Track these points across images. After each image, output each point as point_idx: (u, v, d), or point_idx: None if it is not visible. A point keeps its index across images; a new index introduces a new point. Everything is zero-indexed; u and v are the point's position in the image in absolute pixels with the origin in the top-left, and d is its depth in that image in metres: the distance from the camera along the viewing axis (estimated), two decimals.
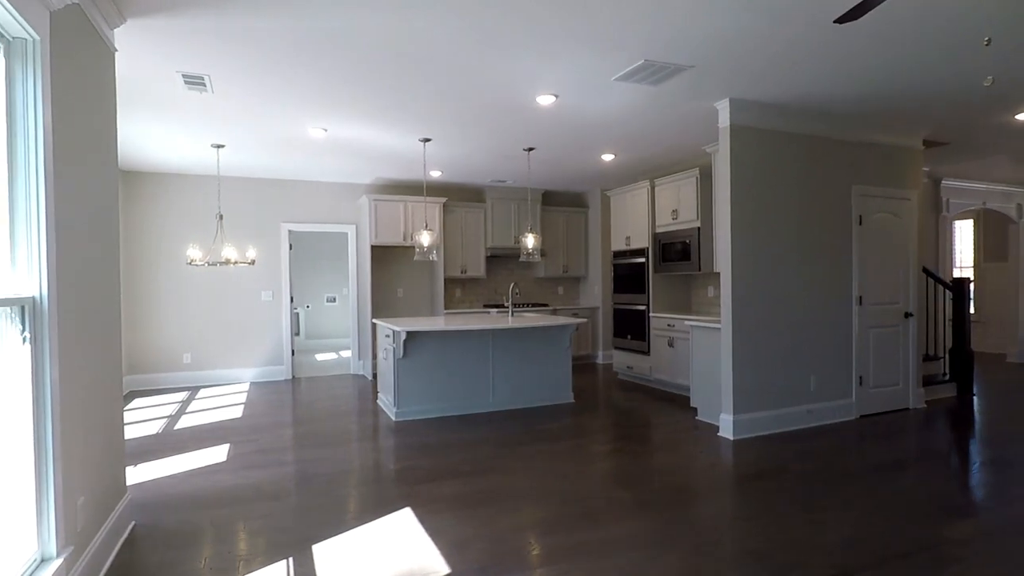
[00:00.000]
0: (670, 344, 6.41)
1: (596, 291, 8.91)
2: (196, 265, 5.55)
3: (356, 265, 7.93)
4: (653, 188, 6.78)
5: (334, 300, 11.21)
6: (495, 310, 7.99)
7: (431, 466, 3.95)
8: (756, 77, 4.00)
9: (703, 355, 5.21)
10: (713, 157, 5.55)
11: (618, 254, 7.38)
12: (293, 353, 7.72)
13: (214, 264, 5.61)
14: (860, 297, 5.27)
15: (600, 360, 8.82)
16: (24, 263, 1.79)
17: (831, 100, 4.50)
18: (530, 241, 6.01)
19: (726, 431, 4.65)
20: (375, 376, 7.26)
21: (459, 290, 8.53)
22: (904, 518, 3.05)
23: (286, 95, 4.22)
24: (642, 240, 6.92)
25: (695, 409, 5.36)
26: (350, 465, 4.03)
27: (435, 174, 7.29)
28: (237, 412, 5.68)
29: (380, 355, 5.88)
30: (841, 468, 3.89)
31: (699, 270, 6.13)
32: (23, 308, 1.77)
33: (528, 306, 8.49)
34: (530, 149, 5.98)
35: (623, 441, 4.61)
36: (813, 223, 5.02)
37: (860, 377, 5.29)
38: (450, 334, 5.38)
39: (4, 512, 1.75)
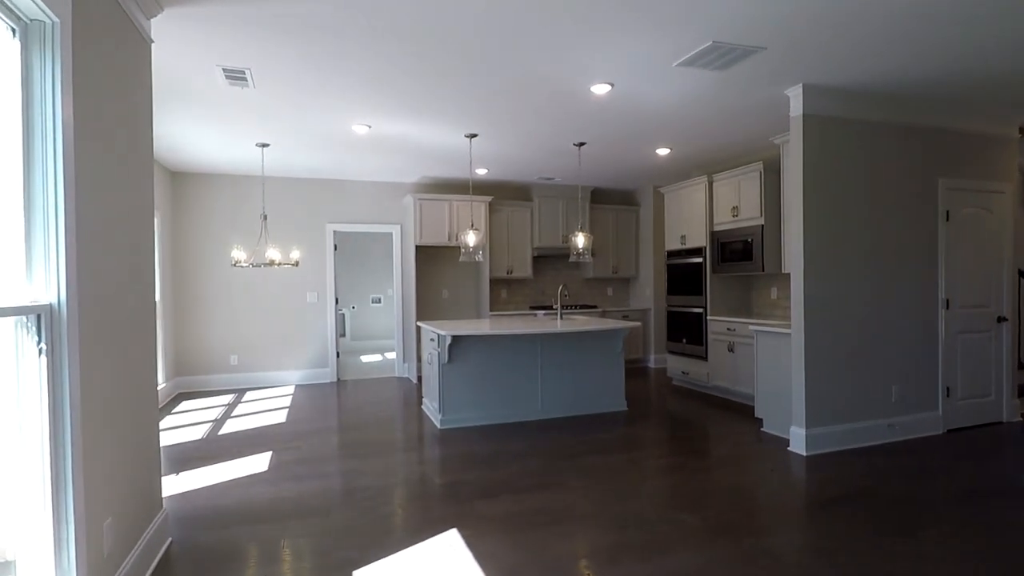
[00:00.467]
0: (730, 349, 6.00)
1: (647, 292, 8.53)
2: (241, 267, 5.49)
3: (401, 266, 7.81)
4: (711, 184, 6.37)
5: (379, 301, 11.17)
6: (542, 312, 7.72)
7: (478, 481, 3.72)
8: (835, 59, 3.60)
9: (770, 362, 4.81)
10: (782, 149, 5.14)
11: (673, 254, 7.00)
12: (338, 355, 7.66)
13: (258, 266, 5.54)
14: (947, 300, 4.76)
15: (652, 364, 8.43)
16: (40, 268, 1.63)
17: (917, 84, 4.04)
18: (580, 240, 5.71)
19: (797, 446, 4.25)
20: (419, 379, 7.10)
21: (505, 291, 8.31)
22: None
23: (329, 89, 4.08)
24: (699, 239, 6.52)
25: (760, 420, 4.96)
26: (393, 478, 3.84)
27: (481, 172, 7.08)
28: (281, 416, 5.60)
29: (425, 358, 5.70)
30: (935, 491, 3.45)
31: (762, 270, 5.70)
32: (39, 317, 1.61)
33: (576, 308, 8.18)
34: (581, 144, 5.68)
35: (684, 455, 4.27)
36: (894, 219, 4.54)
37: (947, 388, 4.77)
38: (497, 338, 5.14)
39: (23, 543, 1.60)
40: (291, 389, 7.04)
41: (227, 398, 6.53)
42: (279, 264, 5.73)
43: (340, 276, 10.63)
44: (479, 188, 8.06)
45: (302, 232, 7.35)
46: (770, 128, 5.10)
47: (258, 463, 4.12)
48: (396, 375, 7.89)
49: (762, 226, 5.69)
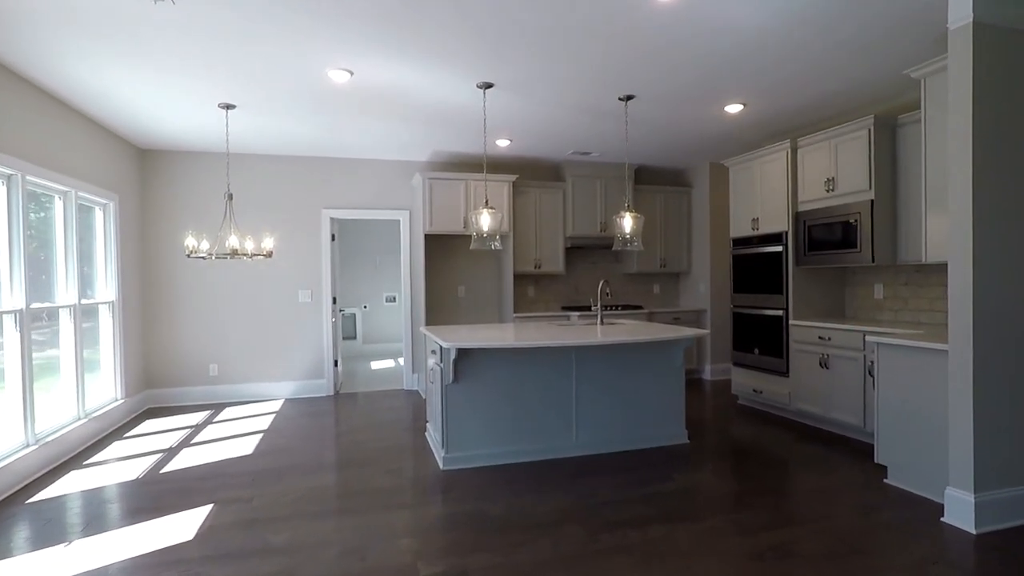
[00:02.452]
0: (823, 364, 4.61)
1: (702, 290, 7.15)
2: (198, 257, 4.37)
3: (409, 258, 6.63)
4: (795, 151, 4.98)
5: (394, 300, 10.05)
6: (576, 314, 6.44)
7: (485, 571, 2.49)
8: None
9: (901, 388, 3.43)
10: (923, 86, 3.74)
11: (740, 242, 5.62)
12: (337, 364, 6.52)
13: (223, 256, 4.41)
14: None
15: (708, 376, 7.06)
16: None
17: None
18: (627, 223, 4.41)
19: (960, 517, 2.88)
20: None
21: (532, 289, 7.05)
22: None
23: (281, 10, 2.89)
24: (777, 222, 5.14)
25: (884, 469, 3.59)
26: (362, 562, 2.63)
27: (502, 144, 5.83)
28: (249, 446, 4.47)
29: (427, 375, 4.49)
30: None
31: (872, 261, 4.30)
32: None
33: (616, 309, 6.87)
34: (628, 98, 4.38)
35: (786, 526, 2.95)
36: None
37: None
38: (518, 352, 3.90)
39: None
40: (278, 405, 5.94)
41: (199, 416, 5.46)
42: (251, 256, 4.59)
43: (347, 272, 9.56)
44: (501, 165, 6.82)
45: (291, 218, 6.24)
46: (901, 60, 3.72)
47: (186, 527, 2.98)
48: (404, 387, 6.72)
49: (871, 202, 4.29)
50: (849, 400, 4.39)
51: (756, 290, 5.39)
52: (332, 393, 6.39)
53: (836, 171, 4.58)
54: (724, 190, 7.05)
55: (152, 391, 5.91)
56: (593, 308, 4.67)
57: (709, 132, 5.46)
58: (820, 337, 4.65)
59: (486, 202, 4.09)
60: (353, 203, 6.45)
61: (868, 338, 3.74)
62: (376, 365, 8.58)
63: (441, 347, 3.70)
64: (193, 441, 4.62)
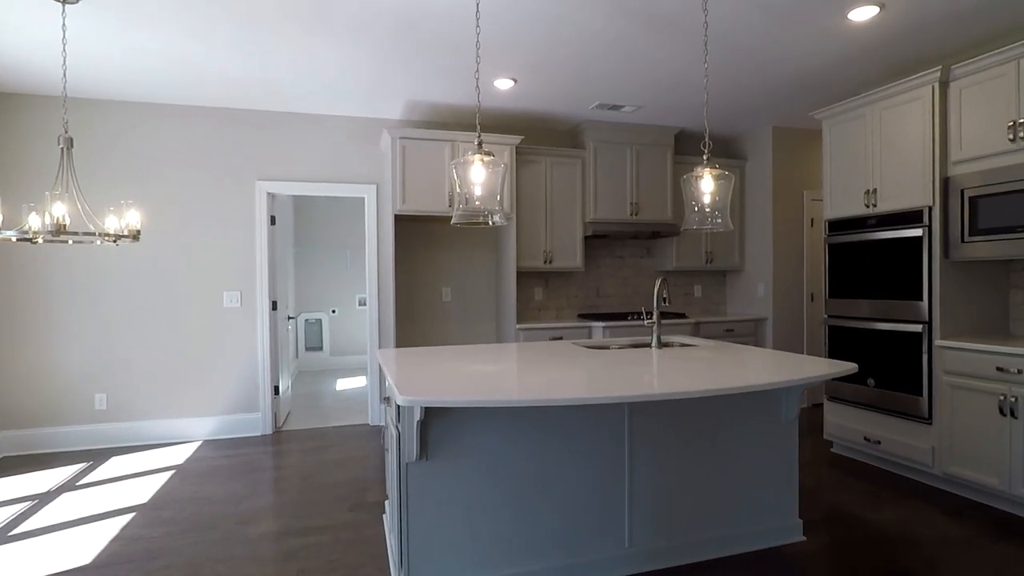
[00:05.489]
0: (1006, 411, 2.95)
1: (761, 292, 5.49)
2: (20, 239, 2.64)
3: (376, 248, 4.94)
4: (945, 85, 3.31)
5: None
6: (599, 324, 4.77)
7: None
8: None
9: None
10: None
11: (843, 225, 3.95)
12: (277, 391, 4.82)
13: (52, 238, 2.70)
14: None
15: None
16: None
17: None
18: (708, 184, 2.73)
19: None
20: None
21: (541, 290, 5.36)
22: None
23: None
24: (911, 194, 3.47)
25: None
26: None
27: (502, 86, 4.14)
28: (97, 542, 2.77)
29: (383, 435, 2.80)
30: None
31: None
32: None
33: (642, 317, 5.19)
34: None
35: None
36: None
37: None
38: (527, 413, 2.21)
39: None
40: (190, 451, 4.23)
41: (65, 472, 3.76)
42: (100, 237, 2.88)
43: (309, 267, 7.85)
44: (500, 122, 5.14)
45: (208, 193, 4.54)
46: None
47: None
48: (369, 421, 5.01)
49: None
50: None
51: (871, 294, 3.72)
52: (270, 431, 4.69)
53: None
54: (792, 163, 5.40)
55: (9, 433, 4.19)
56: (646, 321, 2.98)
57: (811, 64, 3.77)
58: (1001, 369, 2.98)
59: (479, 144, 2.40)
60: (300, 174, 4.74)
61: None
62: (344, 384, 6.87)
63: (397, 403, 2.00)
64: (16, 531, 2.91)
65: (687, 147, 5.73)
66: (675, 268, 5.50)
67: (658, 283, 3.08)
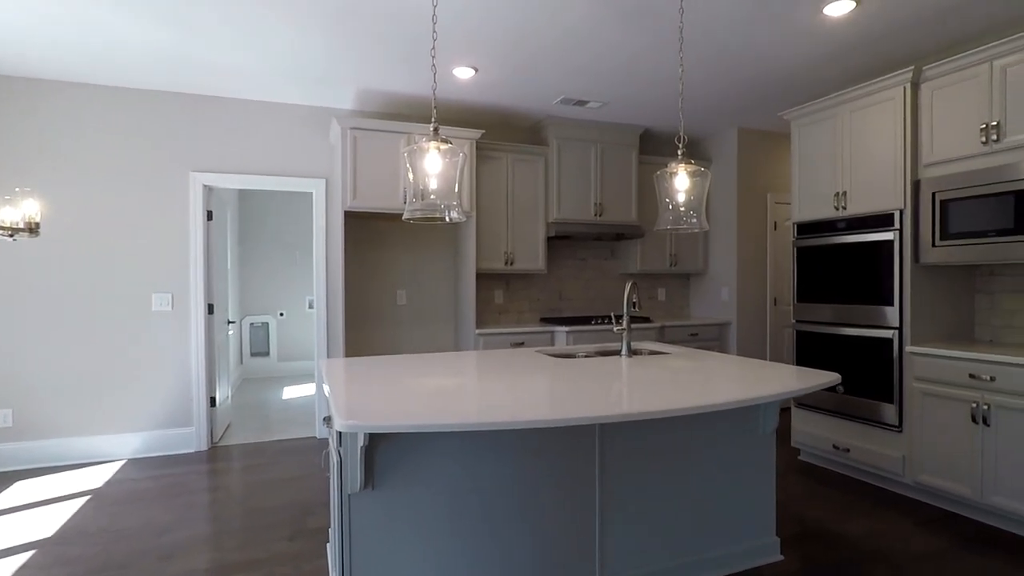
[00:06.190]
0: (979, 419, 2.88)
1: (725, 296, 5.40)
2: None
3: (325, 247, 4.59)
4: (917, 88, 3.24)
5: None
6: (562, 329, 4.56)
7: None
8: None
9: None
10: None
11: (812, 228, 3.85)
12: (214, 403, 4.41)
13: None
14: None
15: None
16: None
17: None
18: (683, 181, 2.54)
19: None
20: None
21: (502, 293, 5.12)
22: None
23: None
24: (881, 197, 3.39)
25: None
26: None
27: (462, 75, 3.88)
28: None
29: (323, 458, 2.50)
30: None
31: None
32: None
33: (610, 321, 5.03)
34: None
35: None
36: None
37: None
38: (487, 434, 1.95)
39: None
40: (110, 472, 3.80)
41: None
42: (8, 231, 2.48)
43: (254, 267, 7.37)
44: (460, 115, 4.88)
45: (134, 185, 4.11)
46: None
47: None
48: (317, 434, 4.65)
49: None
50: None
51: (840, 298, 3.63)
52: (205, 447, 4.28)
53: (1004, 111, 2.86)
54: (757, 165, 5.33)
55: None
56: (616, 328, 2.77)
57: (784, 62, 3.65)
58: (973, 375, 2.91)
59: (434, 130, 2.13)
60: (242, 166, 4.36)
61: None
62: (292, 392, 6.46)
63: (335, 428, 1.71)
64: None
65: (652, 147, 5.60)
66: (639, 271, 5.35)
67: (628, 287, 2.88)
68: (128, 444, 4.10)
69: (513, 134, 5.14)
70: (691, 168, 2.55)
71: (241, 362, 7.31)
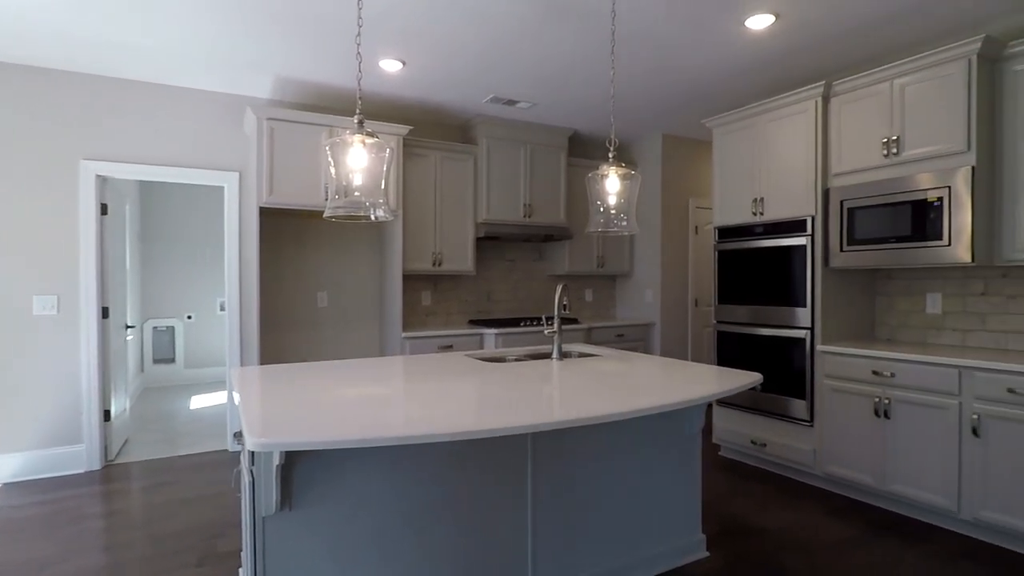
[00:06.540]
0: (880, 413, 3.08)
1: (649, 298, 5.53)
2: None
3: (238, 245, 4.28)
4: (827, 100, 3.43)
5: None
6: (492, 331, 4.50)
7: None
8: None
9: None
10: None
11: (732, 232, 4.00)
12: (108, 417, 4.00)
13: None
14: None
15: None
16: None
17: None
18: (614, 184, 2.54)
19: None
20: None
21: (429, 294, 4.99)
22: None
23: None
24: (796, 204, 3.57)
25: None
26: None
27: (390, 68, 3.73)
28: None
29: (234, 476, 2.31)
30: None
31: (972, 260, 2.81)
32: None
33: (540, 323, 5.03)
34: None
35: None
36: None
37: None
38: (415, 446, 1.85)
39: None
40: None
41: None
42: None
43: (157, 265, 6.82)
44: (388, 111, 4.72)
45: (13, 172, 3.65)
46: None
47: None
48: (229, 447, 4.33)
49: (972, 169, 2.80)
50: (928, 470, 2.88)
51: (758, 300, 3.79)
52: (98, 466, 3.87)
53: (903, 126, 3.07)
54: (680, 171, 5.50)
55: None
56: (547, 330, 2.73)
57: (708, 71, 3.76)
58: (876, 372, 3.11)
59: (359, 123, 2.00)
60: (144, 155, 3.98)
61: (1000, 376, 2.19)
62: (201, 401, 6.01)
63: (246, 447, 1.55)
64: None
65: (580, 150, 5.66)
66: (568, 272, 5.39)
67: (559, 290, 2.86)
68: (4, 466, 3.64)
69: (442, 132, 5.02)
70: (622, 171, 2.55)
71: (142, 370, 6.73)
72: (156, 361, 6.86)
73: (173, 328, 6.94)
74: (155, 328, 6.83)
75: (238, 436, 1.79)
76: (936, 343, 3.37)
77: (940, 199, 2.90)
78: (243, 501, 2.00)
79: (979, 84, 2.80)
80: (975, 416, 2.70)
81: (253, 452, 1.67)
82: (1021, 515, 2.57)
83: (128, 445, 4.41)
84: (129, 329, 4.59)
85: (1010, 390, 2.60)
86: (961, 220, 2.82)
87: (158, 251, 6.85)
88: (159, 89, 4.01)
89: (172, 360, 6.94)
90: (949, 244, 2.87)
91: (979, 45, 2.74)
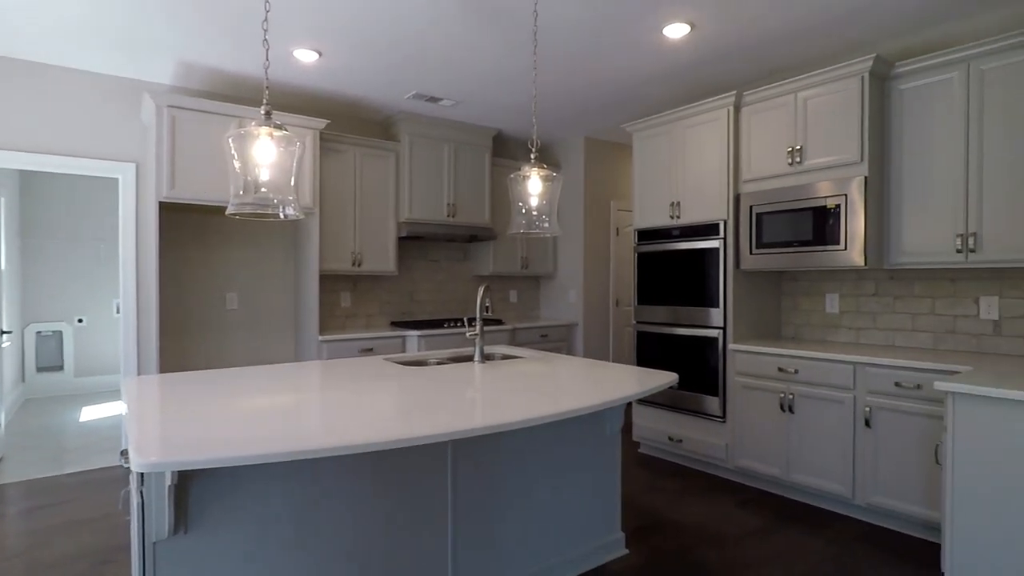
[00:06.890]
0: (786, 407, 3.26)
1: (572, 299, 5.61)
2: None
3: (135, 243, 3.94)
4: (738, 109, 3.59)
5: None
6: (414, 333, 4.40)
7: None
8: None
9: (998, 463, 2.09)
10: None
11: (651, 235, 4.11)
12: None
13: None
14: None
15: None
16: None
17: None
18: (536, 185, 2.54)
19: None
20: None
21: (349, 296, 4.81)
22: None
23: None
24: (710, 208, 3.71)
25: None
26: None
27: (304, 58, 3.55)
28: None
29: (121, 498, 2.11)
30: None
31: (864, 263, 3.03)
32: None
33: (463, 324, 4.99)
34: None
35: None
36: None
37: None
38: (328, 458, 1.75)
39: None
40: None
41: None
42: None
43: (44, 264, 6.20)
44: (304, 104, 4.50)
45: None
46: None
47: None
48: (123, 463, 3.98)
49: (865, 179, 3.02)
50: (828, 460, 3.08)
51: (675, 301, 3.92)
52: None
53: (806, 136, 3.27)
54: (602, 173, 5.61)
55: None
56: (468, 333, 2.68)
57: (627, 76, 3.84)
58: (782, 369, 3.29)
59: (266, 114, 1.87)
60: (23, 142, 3.57)
61: (938, 385, 2.39)
62: (93, 413, 5.49)
63: (133, 467, 1.39)
64: None
65: (505, 150, 5.65)
66: (492, 273, 5.36)
67: (481, 291, 2.82)
68: None
69: (362, 127, 4.86)
70: (544, 172, 2.55)
71: (23, 379, 6.08)
72: (40, 369, 6.21)
73: (61, 333, 6.31)
74: (39, 333, 6.19)
75: (124, 455, 1.62)
76: (834, 340, 3.61)
77: (838, 206, 3.11)
78: (132, 525, 1.81)
79: (871, 100, 3.03)
80: (867, 408, 2.91)
81: (146, 476, 1.51)
82: (906, 499, 2.80)
83: (4, 464, 3.95)
84: (5, 335, 4.12)
85: (897, 384, 2.81)
86: (855, 226, 3.04)
87: (42, 248, 6.21)
88: (45, 69, 3.61)
89: (60, 368, 6.31)
90: (845, 248, 3.08)
91: (871, 63, 2.96)
